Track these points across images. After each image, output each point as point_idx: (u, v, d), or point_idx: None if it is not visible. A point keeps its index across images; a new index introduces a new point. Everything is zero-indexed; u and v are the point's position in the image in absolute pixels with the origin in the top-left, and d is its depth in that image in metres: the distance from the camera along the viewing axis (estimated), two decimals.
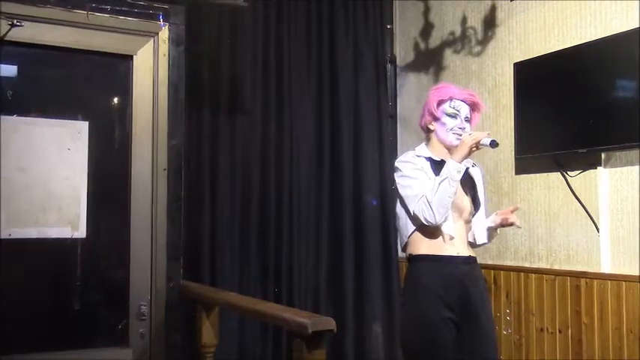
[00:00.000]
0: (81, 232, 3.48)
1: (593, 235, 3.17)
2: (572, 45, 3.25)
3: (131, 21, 3.58)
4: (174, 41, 3.67)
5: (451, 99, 2.72)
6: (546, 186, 3.41)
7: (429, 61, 4.23)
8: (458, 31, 3.99)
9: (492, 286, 3.67)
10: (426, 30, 4.23)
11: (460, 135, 2.68)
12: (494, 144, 2.62)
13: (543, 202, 3.43)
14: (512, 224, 2.74)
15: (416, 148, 2.82)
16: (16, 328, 3.30)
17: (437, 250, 2.64)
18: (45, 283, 3.47)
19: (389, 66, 4.50)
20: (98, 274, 3.57)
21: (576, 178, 3.25)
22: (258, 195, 3.92)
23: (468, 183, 2.80)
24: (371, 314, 4.12)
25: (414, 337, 2.60)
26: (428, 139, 2.82)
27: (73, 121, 3.51)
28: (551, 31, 3.42)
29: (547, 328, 3.35)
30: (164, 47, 3.66)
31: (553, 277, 3.33)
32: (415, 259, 2.66)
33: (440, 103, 2.73)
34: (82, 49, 3.51)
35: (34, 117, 3.43)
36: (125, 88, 3.65)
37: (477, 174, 2.86)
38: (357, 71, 4.30)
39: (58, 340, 3.41)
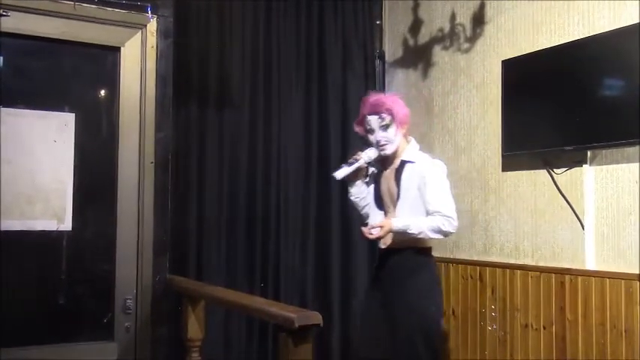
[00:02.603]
0: (67, 225, 3.46)
1: (578, 233, 3.20)
2: (560, 43, 3.27)
3: (119, 12, 3.56)
4: (162, 33, 3.66)
5: (364, 117, 3.05)
6: (533, 183, 3.44)
7: (418, 58, 4.24)
8: (447, 28, 4.00)
9: (478, 282, 3.70)
10: (415, 26, 4.24)
11: (383, 146, 3.00)
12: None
13: (529, 199, 3.45)
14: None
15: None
16: (0, 322, 3.28)
17: None
18: (30, 277, 3.46)
19: (378, 62, 4.50)
20: (84, 267, 3.56)
21: (562, 175, 3.27)
22: (245, 189, 3.92)
23: (397, 178, 3.02)
24: (358, 309, 4.13)
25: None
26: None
27: (59, 113, 3.50)
28: (539, 29, 3.44)
29: (532, 324, 3.38)
30: (152, 39, 3.64)
31: (538, 273, 3.36)
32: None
33: (358, 125, 3.09)
34: (69, 41, 3.49)
35: (20, 108, 3.40)
36: (112, 80, 3.64)
37: (409, 173, 3.00)
38: (346, 67, 4.30)
39: (42, 334, 3.40)
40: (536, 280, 3.37)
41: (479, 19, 3.78)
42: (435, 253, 3.98)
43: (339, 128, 4.22)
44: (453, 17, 3.94)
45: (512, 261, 3.54)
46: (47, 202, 3.43)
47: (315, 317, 2.31)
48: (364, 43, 4.40)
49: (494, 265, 3.62)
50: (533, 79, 3.37)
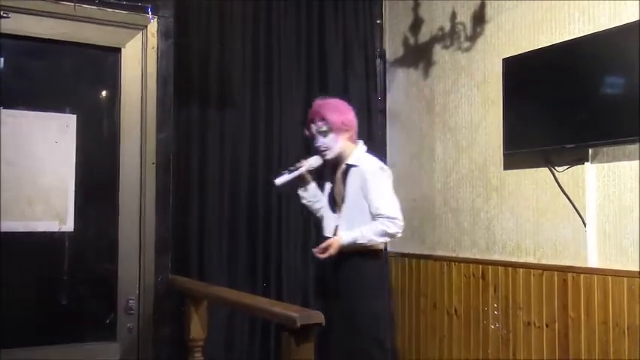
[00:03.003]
0: (68, 226, 3.47)
1: (580, 230, 3.20)
2: (560, 41, 3.27)
3: (119, 13, 3.57)
4: (163, 34, 3.67)
5: (309, 124, 3.15)
6: (534, 181, 3.44)
7: (419, 56, 4.24)
8: (447, 27, 4.01)
9: (480, 280, 3.70)
10: (416, 25, 4.25)
11: (323, 152, 3.13)
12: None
13: (531, 197, 3.46)
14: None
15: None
16: (2, 323, 3.29)
17: None
18: (32, 278, 3.47)
19: (378, 61, 4.51)
20: (86, 268, 3.57)
21: (564, 173, 3.28)
22: (247, 189, 3.93)
23: (343, 181, 3.12)
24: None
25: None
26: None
27: (60, 114, 3.50)
28: (539, 27, 3.44)
29: (534, 322, 3.38)
30: (153, 40, 3.65)
31: (540, 271, 3.36)
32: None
33: (307, 130, 3.17)
34: (69, 42, 3.50)
35: (22, 110, 3.41)
36: (113, 81, 3.65)
37: (353, 176, 3.09)
38: (347, 66, 4.31)
39: (45, 335, 3.41)
40: (539, 278, 3.37)
41: (479, 18, 3.78)
42: (438, 252, 4.04)
43: None
44: (453, 16, 3.94)
45: (514, 259, 3.54)
46: (49, 203, 3.44)
47: (317, 316, 2.32)
48: (365, 42, 4.41)
49: (496, 264, 3.62)
50: (534, 77, 3.37)
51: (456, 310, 3.86)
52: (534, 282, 3.39)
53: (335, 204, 3.18)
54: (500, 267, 3.60)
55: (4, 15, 3.27)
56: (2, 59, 3.41)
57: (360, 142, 3.21)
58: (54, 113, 3.49)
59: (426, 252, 4.15)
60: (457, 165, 3.92)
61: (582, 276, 3.15)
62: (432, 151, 4.13)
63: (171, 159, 3.67)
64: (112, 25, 3.58)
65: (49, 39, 3.44)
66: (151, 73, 3.64)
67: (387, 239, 3.08)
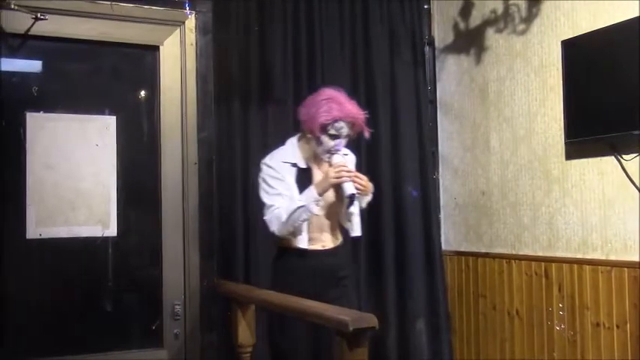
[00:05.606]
0: (112, 231, 3.54)
1: None
2: (624, 20, 3.17)
3: (156, 10, 3.62)
4: (201, 30, 3.70)
5: (335, 120, 2.92)
6: (600, 171, 3.36)
7: (470, 42, 4.18)
8: (500, 9, 3.94)
9: (543, 279, 3.63)
10: (466, 9, 4.19)
11: (335, 154, 2.93)
12: (352, 197, 2.88)
13: (597, 188, 3.37)
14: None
15: (285, 149, 3.10)
16: (48, 330, 3.39)
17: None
18: (76, 284, 3.54)
19: (427, 48, 4.46)
20: (130, 273, 3.64)
21: (632, 161, 3.18)
22: None
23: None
24: (414, 310, 4.10)
25: None
26: (302, 136, 3.08)
27: (100, 116, 3.57)
28: (600, 5, 3.34)
29: (603, 323, 3.30)
30: (191, 36, 3.69)
31: (609, 268, 3.28)
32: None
33: (324, 125, 2.92)
34: (107, 42, 3.57)
35: (61, 113, 3.49)
36: (152, 80, 3.70)
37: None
38: (394, 55, 4.27)
39: (90, 342, 3.48)
40: (607, 275, 3.28)
41: None
42: (496, 250, 3.97)
43: (388, 120, 4.19)
44: None
45: (579, 255, 3.46)
46: (91, 207, 3.51)
47: (370, 320, 2.30)
48: (412, 29, 4.36)
49: (560, 261, 3.55)
50: (596, 60, 3.28)
51: (517, 311, 3.80)
52: (602, 280, 3.31)
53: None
54: (564, 264, 3.52)
55: (42, 17, 3.35)
56: (40, 62, 3.50)
57: None
58: (94, 116, 3.56)
59: (483, 250, 4.09)
60: (515, 156, 3.84)
61: None
62: (487, 142, 4.06)
63: (213, 159, 3.69)
64: (149, 23, 3.63)
65: (86, 39, 3.51)
66: (190, 71, 3.68)
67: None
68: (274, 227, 2.97)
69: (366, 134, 3.10)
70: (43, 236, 3.39)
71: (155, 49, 3.68)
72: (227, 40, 3.80)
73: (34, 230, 3.38)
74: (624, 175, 3.22)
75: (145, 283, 3.64)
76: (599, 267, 3.33)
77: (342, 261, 3.18)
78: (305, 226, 3.00)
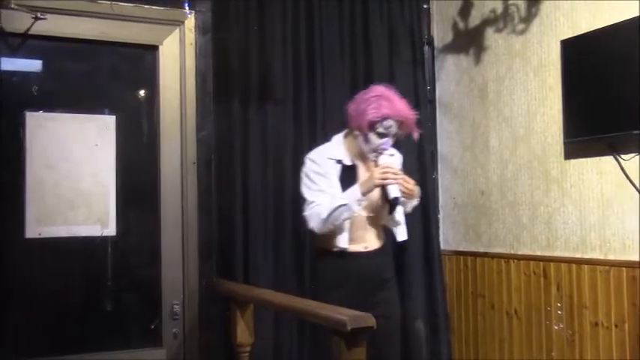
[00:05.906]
0: (111, 230, 3.55)
1: None
2: (624, 19, 3.18)
3: (156, 10, 3.63)
4: (200, 29, 3.72)
5: (384, 118, 2.88)
6: (598, 171, 3.36)
7: (469, 42, 4.19)
8: (499, 9, 3.94)
9: (542, 278, 3.64)
10: (466, 8, 4.19)
11: (381, 153, 2.90)
12: (396, 201, 2.83)
13: (595, 188, 3.38)
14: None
15: (330, 145, 3.06)
16: (47, 330, 3.40)
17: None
18: (75, 284, 3.56)
19: (426, 48, 4.46)
20: (129, 272, 3.65)
21: (631, 161, 3.19)
22: (291, 187, 3.92)
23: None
24: (412, 310, 4.11)
25: None
26: (349, 133, 3.03)
27: (99, 116, 3.58)
28: (600, 5, 3.35)
29: (602, 323, 3.30)
30: (190, 36, 3.70)
31: (607, 267, 3.28)
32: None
33: (372, 123, 2.88)
34: (106, 41, 3.58)
35: (60, 112, 3.50)
36: (151, 80, 3.71)
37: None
38: (393, 54, 4.27)
39: (89, 342, 3.49)
40: (605, 275, 3.29)
41: None
42: (494, 249, 3.98)
43: None
44: None
45: (578, 255, 3.47)
46: (90, 207, 3.52)
47: (368, 319, 2.31)
48: (411, 28, 4.36)
49: (558, 260, 3.56)
50: (596, 59, 3.29)
51: (516, 311, 3.81)
52: (601, 279, 3.32)
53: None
54: (563, 264, 3.53)
55: (41, 16, 3.36)
56: (40, 61, 3.51)
57: None
58: (93, 115, 3.57)
59: (481, 249, 4.10)
60: (514, 156, 3.85)
61: None
62: (487, 141, 4.07)
63: (212, 158, 3.70)
64: (148, 22, 3.64)
65: (85, 39, 3.52)
66: (189, 70, 3.69)
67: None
68: (313, 224, 2.91)
69: (415, 135, 3.05)
70: (43, 235, 3.41)
71: (154, 48, 3.69)
72: (226, 39, 3.81)
73: (34, 229, 3.39)
74: (623, 174, 3.23)
75: (144, 283, 3.66)
76: (598, 267, 3.33)
77: (385, 262, 3.13)
78: (346, 225, 2.94)
